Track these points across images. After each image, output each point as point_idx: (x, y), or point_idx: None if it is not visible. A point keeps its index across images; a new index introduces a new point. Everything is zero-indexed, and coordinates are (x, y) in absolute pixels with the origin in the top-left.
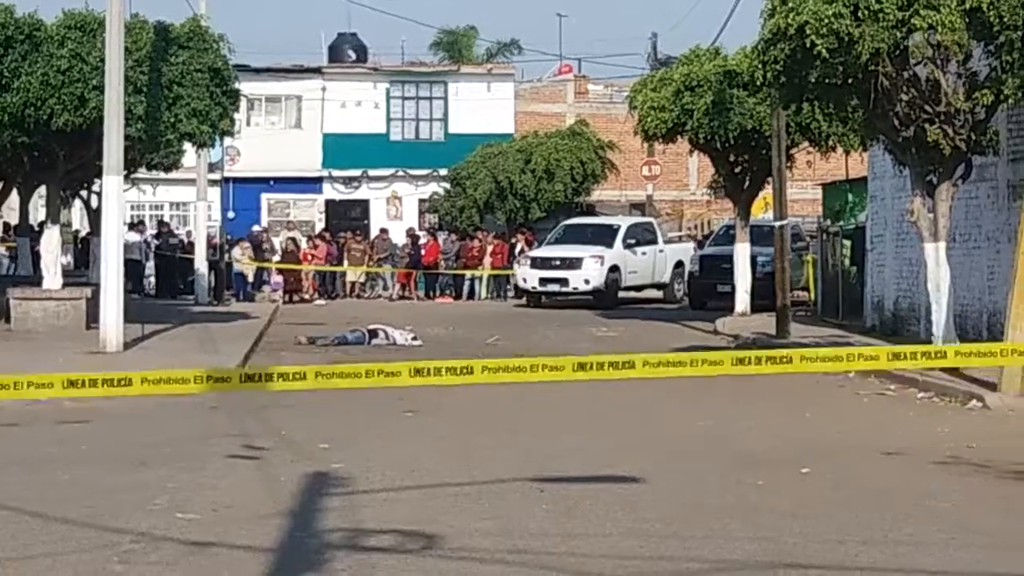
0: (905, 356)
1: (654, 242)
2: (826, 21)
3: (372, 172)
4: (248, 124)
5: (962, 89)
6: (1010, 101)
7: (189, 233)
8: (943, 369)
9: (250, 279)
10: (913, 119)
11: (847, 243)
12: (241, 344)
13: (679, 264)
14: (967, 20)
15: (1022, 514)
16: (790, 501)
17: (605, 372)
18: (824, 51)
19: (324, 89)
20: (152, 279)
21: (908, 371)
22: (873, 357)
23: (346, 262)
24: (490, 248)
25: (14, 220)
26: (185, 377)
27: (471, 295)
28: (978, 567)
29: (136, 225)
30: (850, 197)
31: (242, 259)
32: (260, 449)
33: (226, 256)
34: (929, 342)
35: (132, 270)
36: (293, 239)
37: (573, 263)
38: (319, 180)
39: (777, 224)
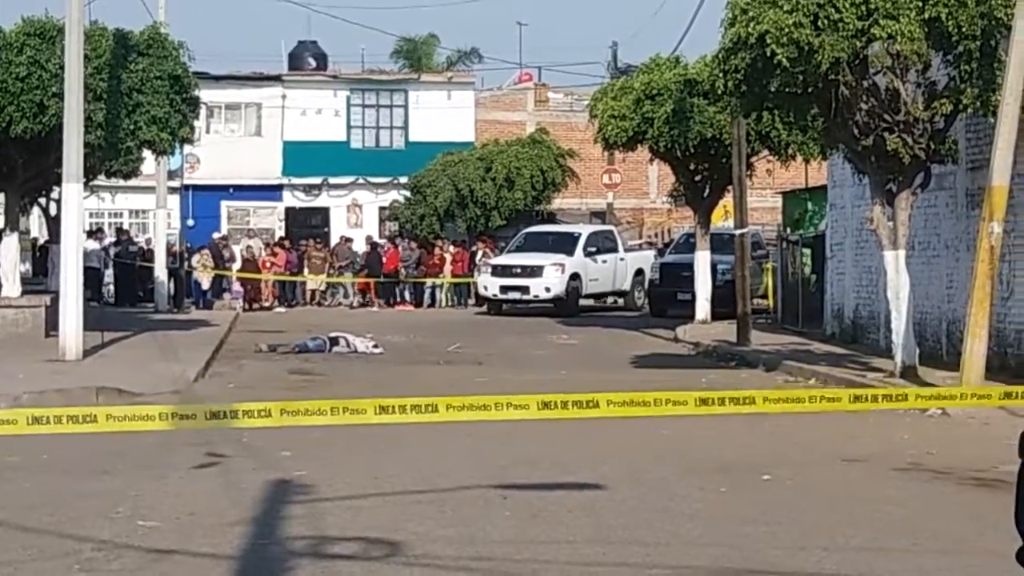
0: (867, 399)
1: (615, 250)
2: (786, 30)
3: (332, 180)
4: (208, 131)
5: (921, 98)
6: (969, 111)
7: (149, 241)
8: (903, 376)
9: (206, 287)
10: (872, 128)
11: (807, 251)
12: (201, 352)
13: (639, 272)
14: (926, 30)
15: (982, 520)
16: (752, 508)
17: (569, 411)
18: (784, 60)
19: (284, 97)
20: (111, 287)
21: (868, 380)
22: (835, 399)
23: (307, 270)
24: (450, 256)
25: None
26: (150, 414)
27: (432, 303)
28: (939, 573)
29: (95, 233)
30: (810, 205)
31: (199, 267)
32: (222, 457)
33: (186, 264)
34: (889, 350)
35: (91, 278)
36: (250, 247)
37: (534, 271)
38: (279, 188)
39: (737, 232)
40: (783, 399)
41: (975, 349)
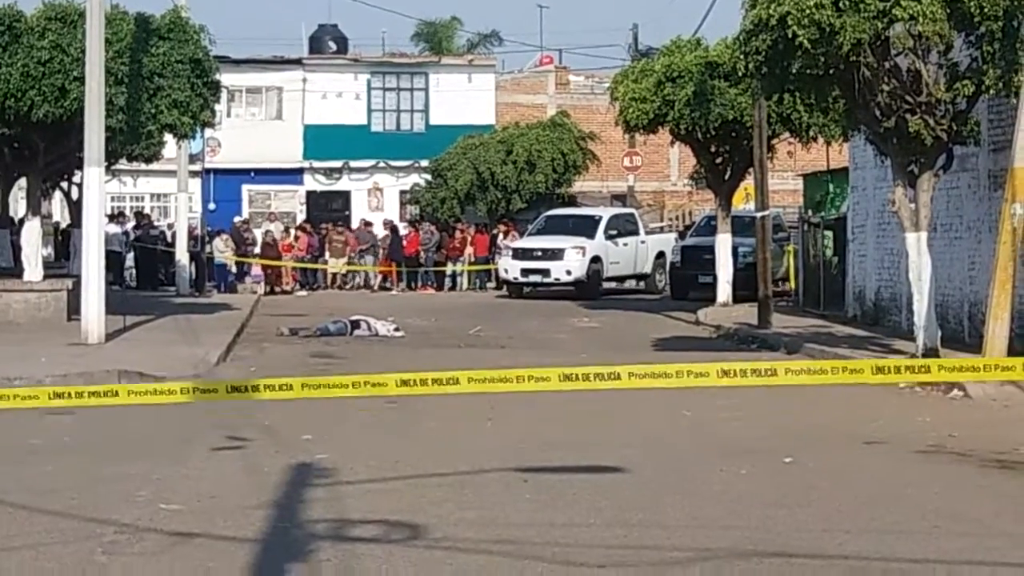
0: (888, 370)
1: (635, 233)
2: (808, 12)
3: (353, 163)
4: (229, 115)
5: (943, 80)
6: (991, 92)
7: (170, 225)
8: (925, 356)
9: (232, 270)
10: (894, 109)
11: (828, 233)
12: (223, 335)
13: (660, 255)
14: (948, 10)
15: (1004, 502)
16: (774, 490)
17: (591, 383)
18: (806, 42)
19: (305, 80)
20: (133, 271)
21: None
22: (857, 370)
23: (327, 253)
24: (471, 239)
25: None
26: (172, 389)
27: (453, 286)
28: (961, 555)
29: (116, 217)
30: (831, 187)
31: (224, 251)
32: (244, 440)
33: (207, 247)
34: (911, 332)
35: (113, 262)
36: (271, 231)
37: (555, 254)
38: (300, 171)
39: (759, 215)
40: (805, 370)
41: (997, 331)
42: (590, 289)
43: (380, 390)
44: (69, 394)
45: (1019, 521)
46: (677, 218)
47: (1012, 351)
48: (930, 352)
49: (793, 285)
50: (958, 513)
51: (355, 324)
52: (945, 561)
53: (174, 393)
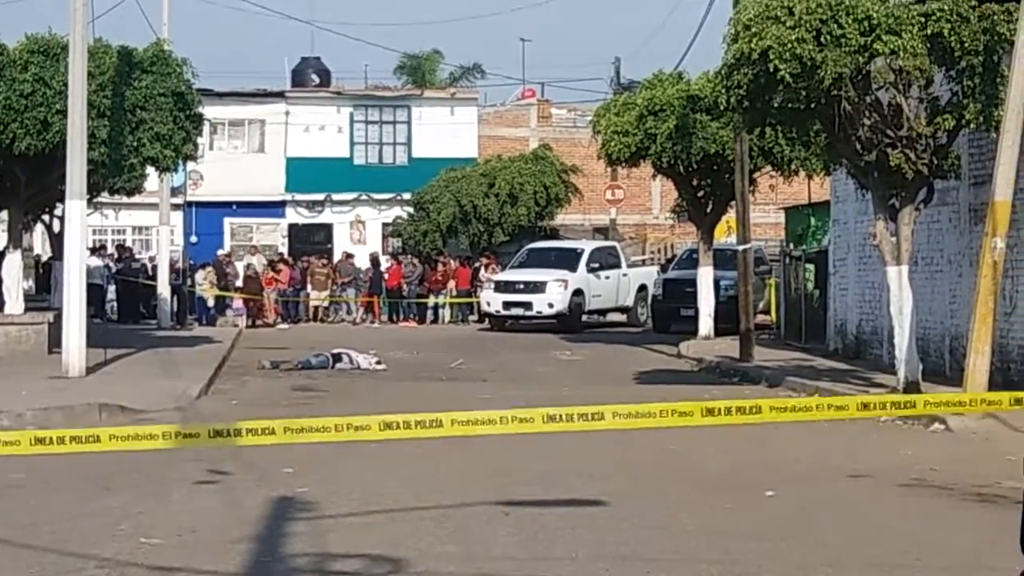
0: (874, 406)
1: (618, 266)
2: (789, 46)
3: (336, 196)
4: (211, 148)
5: (924, 114)
6: (971, 126)
7: (152, 258)
8: (906, 391)
9: (211, 304)
10: (875, 143)
11: (810, 267)
12: (204, 369)
13: (642, 288)
14: (928, 45)
15: (985, 536)
16: (755, 524)
17: (575, 424)
18: (787, 76)
19: (287, 113)
20: (114, 304)
21: (871, 392)
22: (843, 407)
23: (310, 285)
24: (453, 272)
25: None
26: (153, 433)
27: (435, 319)
28: None
29: (98, 250)
30: (813, 221)
31: (205, 285)
32: (225, 474)
33: (188, 280)
34: (892, 365)
35: (94, 295)
36: (253, 264)
37: (537, 287)
38: (282, 204)
39: (740, 248)
40: (790, 408)
41: (978, 364)
42: (572, 322)
43: (363, 434)
44: (51, 439)
45: (1000, 555)
46: (659, 251)
47: (993, 384)
48: (911, 385)
49: (775, 318)
50: (940, 547)
51: (337, 357)
52: None
53: (156, 438)
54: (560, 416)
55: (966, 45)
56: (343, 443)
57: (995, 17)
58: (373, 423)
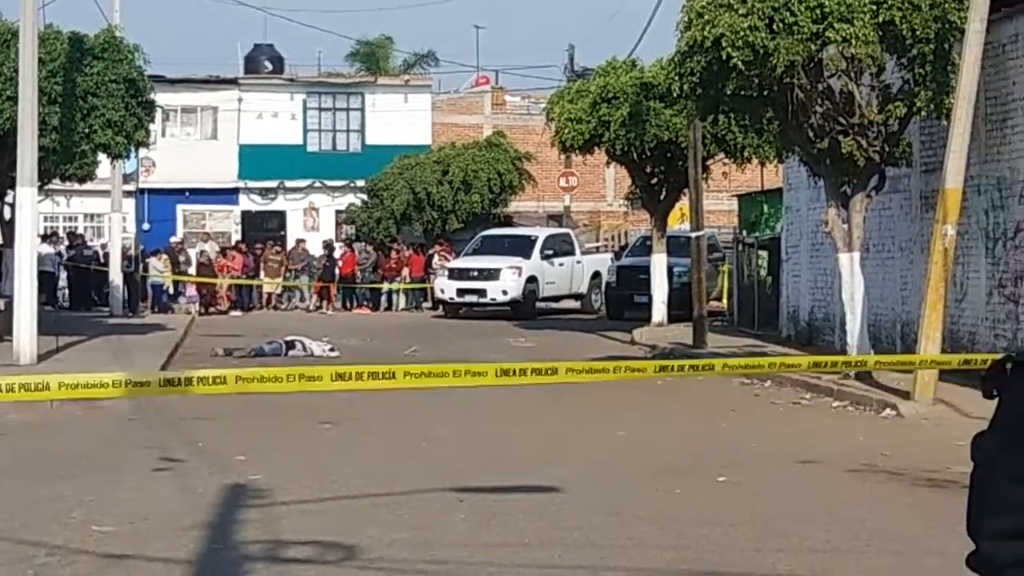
0: (826, 364)
1: (571, 253)
2: (742, 34)
3: (289, 183)
4: (163, 135)
5: (876, 101)
6: (923, 113)
7: (104, 245)
8: (858, 377)
9: (169, 290)
10: (827, 131)
11: (763, 253)
12: (157, 356)
13: (596, 275)
14: (880, 33)
15: (935, 520)
16: (707, 509)
17: (528, 378)
18: (740, 63)
19: (240, 100)
20: (66, 291)
21: (823, 381)
22: (794, 365)
23: (263, 272)
24: (407, 259)
25: None
26: (103, 382)
27: (388, 306)
28: (892, 573)
29: (49, 237)
30: (765, 208)
31: (164, 271)
32: (177, 461)
33: (141, 267)
34: (844, 352)
35: (45, 282)
36: (206, 251)
37: (491, 274)
38: (235, 191)
39: (694, 235)
40: (742, 365)
41: (928, 350)
42: (526, 309)
43: (314, 384)
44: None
45: (950, 539)
46: (613, 238)
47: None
48: (863, 371)
49: (728, 305)
50: (890, 531)
51: (290, 344)
52: None
53: (106, 387)
54: (514, 371)
55: (917, 33)
56: (296, 431)
57: (946, 5)
58: (325, 374)
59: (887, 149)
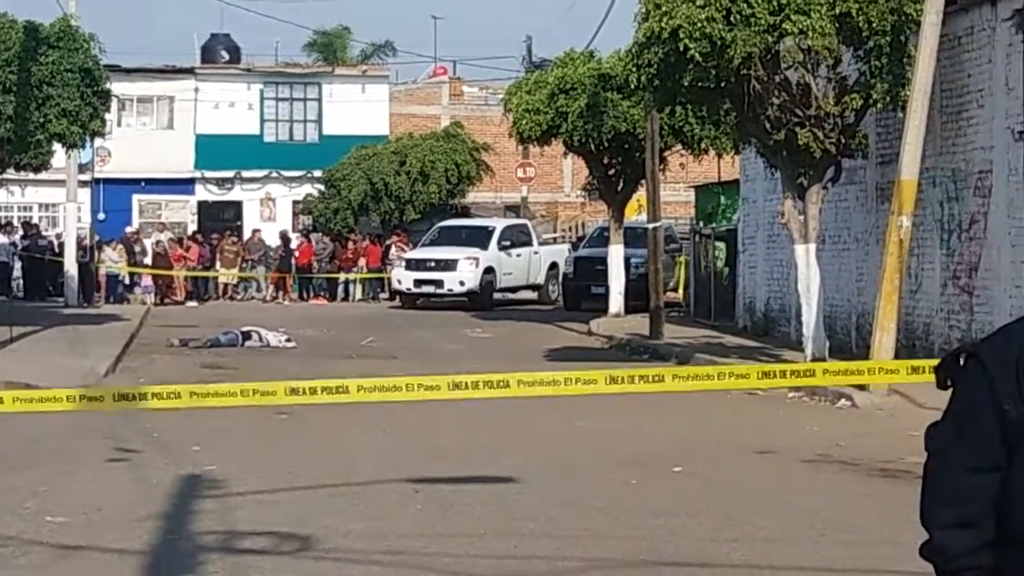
0: (775, 375)
1: (529, 244)
2: (699, 25)
3: (245, 173)
4: (119, 125)
5: (832, 93)
6: (879, 105)
7: (59, 235)
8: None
9: (125, 280)
10: (784, 123)
11: (720, 245)
12: (112, 347)
13: (553, 266)
14: (837, 25)
15: (889, 511)
16: (663, 500)
17: (480, 391)
18: (697, 55)
19: (197, 90)
20: (20, 281)
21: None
22: (743, 376)
23: (219, 263)
24: (364, 250)
25: None
26: (57, 396)
27: (345, 297)
28: (847, 563)
29: (3, 227)
30: (722, 199)
31: (110, 262)
32: (132, 452)
33: (96, 258)
34: (800, 342)
35: None
36: (161, 241)
37: (448, 265)
38: (191, 181)
39: (651, 226)
40: (692, 376)
41: (883, 341)
42: (483, 300)
43: (269, 399)
44: None
45: (903, 529)
46: (570, 229)
47: (898, 360)
48: (818, 362)
49: (684, 296)
50: (844, 522)
51: (246, 335)
52: (831, 569)
53: (60, 401)
54: (466, 384)
55: (874, 25)
56: (252, 421)
57: None
58: (279, 388)
59: (843, 141)
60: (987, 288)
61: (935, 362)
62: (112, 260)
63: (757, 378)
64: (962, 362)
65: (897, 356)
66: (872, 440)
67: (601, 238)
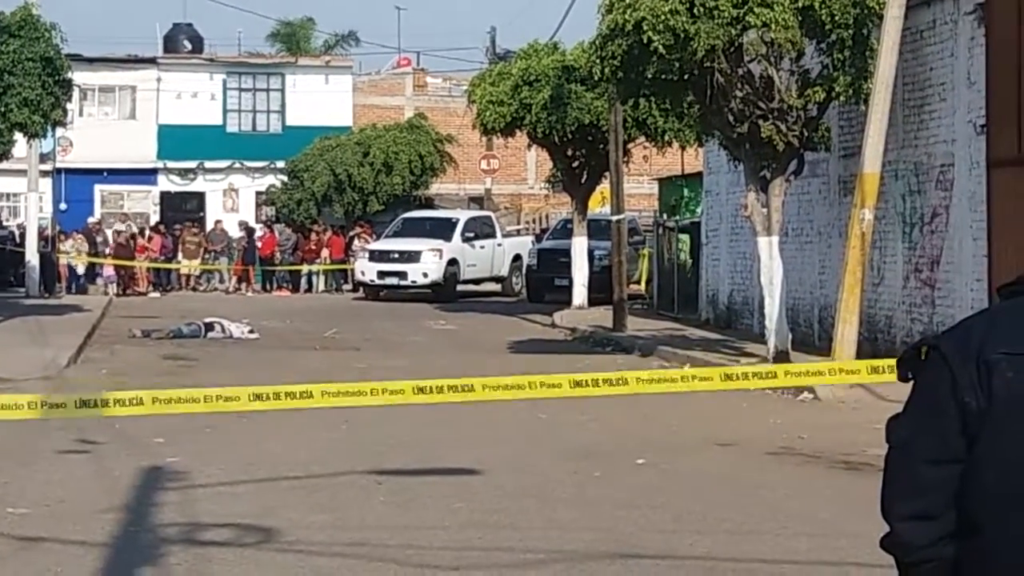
0: (737, 377)
1: (492, 236)
2: (663, 17)
3: (208, 164)
4: (81, 114)
5: (795, 86)
6: (841, 98)
7: (20, 225)
8: (776, 361)
9: (81, 271)
10: (747, 115)
11: (684, 237)
12: (73, 337)
13: (517, 257)
14: (800, 18)
15: (851, 503)
16: (626, 492)
17: (445, 395)
18: (661, 47)
19: (159, 80)
20: None
21: (742, 364)
22: (707, 378)
23: (180, 254)
24: (327, 241)
25: None
26: (19, 403)
27: (309, 288)
28: (809, 555)
29: None
30: (686, 192)
31: (72, 252)
32: (94, 443)
33: (58, 248)
34: (762, 335)
35: None
36: (123, 231)
37: (411, 256)
38: (154, 172)
39: (614, 218)
40: (656, 379)
41: (846, 334)
42: (447, 291)
43: (232, 405)
44: None
45: (865, 521)
46: (534, 221)
47: (860, 353)
48: (781, 355)
49: (647, 288)
50: (806, 514)
51: (209, 326)
52: (794, 561)
53: (21, 408)
54: (431, 388)
55: (837, 18)
56: (215, 413)
57: None
58: (243, 394)
59: (806, 134)
60: (949, 281)
61: (895, 362)
62: (66, 252)
63: (720, 380)
64: (923, 355)
65: (860, 349)
66: (834, 433)
67: (565, 230)
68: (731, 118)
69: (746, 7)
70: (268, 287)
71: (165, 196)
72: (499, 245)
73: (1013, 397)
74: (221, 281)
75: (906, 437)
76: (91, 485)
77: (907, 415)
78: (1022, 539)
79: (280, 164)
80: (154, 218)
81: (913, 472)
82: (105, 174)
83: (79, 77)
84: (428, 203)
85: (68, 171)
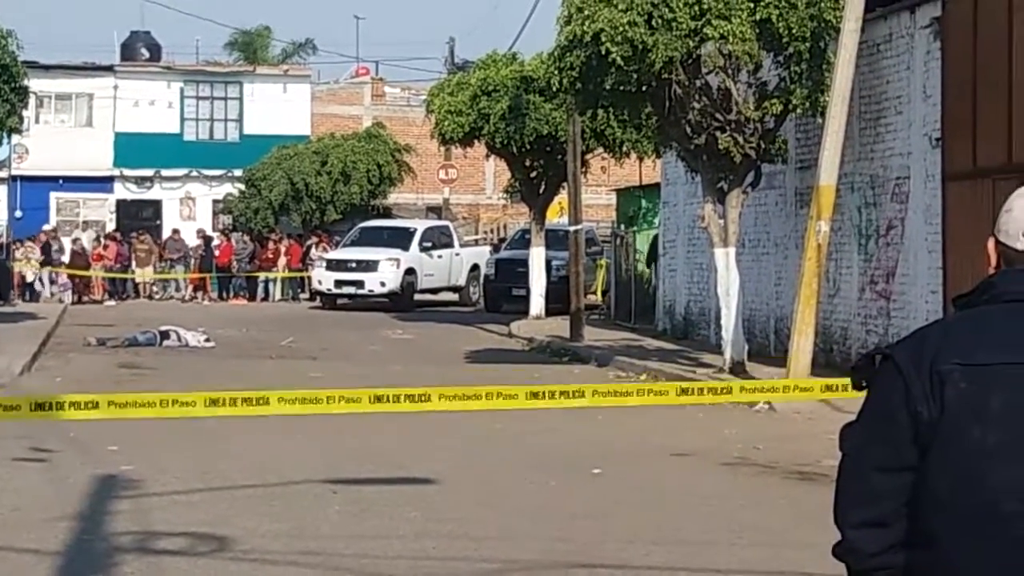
0: (693, 392)
1: (450, 245)
2: (621, 29)
3: (165, 172)
4: (37, 122)
5: (752, 98)
6: (798, 111)
7: None
8: (732, 372)
9: (30, 279)
10: (705, 127)
11: (641, 248)
12: (28, 345)
13: (475, 267)
14: (758, 31)
15: (806, 513)
16: (582, 502)
17: (401, 405)
18: (619, 59)
19: (116, 87)
20: None
21: (698, 375)
22: (662, 392)
23: (134, 263)
24: (284, 250)
25: None
26: None
27: (265, 297)
28: (764, 565)
29: None
30: (644, 203)
31: (22, 260)
32: (48, 451)
33: (12, 255)
34: (719, 346)
35: None
36: (79, 239)
37: (369, 265)
38: (110, 179)
39: (572, 229)
40: (612, 392)
41: (801, 345)
42: (404, 301)
43: (188, 410)
44: None
45: (820, 532)
46: (492, 231)
47: (816, 365)
48: (737, 366)
49: (604, 299)
50: (761, 524)
51: (164, 334)
52: (749, 571)
53: None
54: (387, 397)
55: (794, 31)
56: (170, 422)
57: (822, 4)
58: (199, 399)
59: (763, 146)
60: (904, 293)
61: (848, 380)
62: (16, 259)
63: (676, 395)
64: (877, 364)
65: (815, 360)
66: (789, 443)
67: (522, 240)
68: (689, 130)
69: (704, 20)
70: (225, 295)
71: (121, 204)
72: (457, 255)
73: (965, 408)
74: (177, 289)
75: (859, 445)
76: (45, 493)
77: (860, 423)
78: (977, 550)
79: (237, 173)
80: (110, 226)
81: (865, 480)
82: (61, 182)
83: (35, 84)
84: (386, 213)
85: (24, 178)
